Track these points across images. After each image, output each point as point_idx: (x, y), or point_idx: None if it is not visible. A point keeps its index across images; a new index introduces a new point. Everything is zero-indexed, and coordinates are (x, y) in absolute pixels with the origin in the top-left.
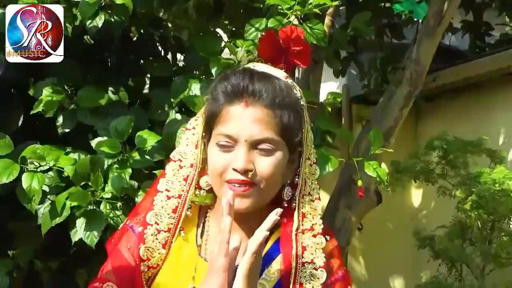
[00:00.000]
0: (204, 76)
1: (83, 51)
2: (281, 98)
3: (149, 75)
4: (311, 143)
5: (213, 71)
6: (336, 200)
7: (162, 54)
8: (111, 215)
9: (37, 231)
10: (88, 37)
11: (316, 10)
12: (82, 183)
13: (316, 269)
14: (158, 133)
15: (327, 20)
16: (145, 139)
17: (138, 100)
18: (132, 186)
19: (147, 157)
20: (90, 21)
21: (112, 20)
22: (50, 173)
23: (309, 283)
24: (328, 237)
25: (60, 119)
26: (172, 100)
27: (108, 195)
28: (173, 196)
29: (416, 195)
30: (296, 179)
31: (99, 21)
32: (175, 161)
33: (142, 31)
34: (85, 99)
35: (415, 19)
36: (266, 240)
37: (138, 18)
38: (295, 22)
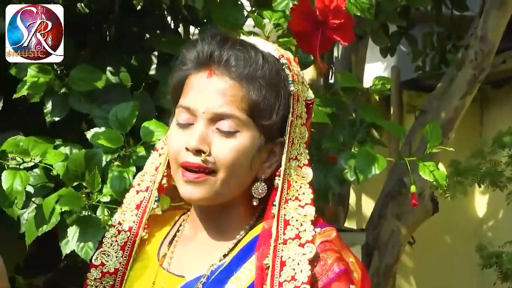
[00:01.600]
0: None
1: (76, 22)
2: (254, 70)
3: (156, 52)
4: (302, 141)
5: None
6: (382, 208)
7: (172, 26)
8: (109, 222)
9: (20, 241)
10: (82, 4)
11: None
12: (75, 183)
13: (298, 287)
14: (167, 123)
15: None
16: (152, 131)
17: (143, 83)
18: None
19: None
20: None
21: None
22: (36, 170)
23: None
24: (318, 229)
25: (49, 105)
26: None
27: (107, 199)
28: (141, 190)
29: (480, 202)
30: (276, 181)
31: None
32: (157, 150)
33: None
34: (79, 80)
35: None
36: (237, 242)
37: None
38: None
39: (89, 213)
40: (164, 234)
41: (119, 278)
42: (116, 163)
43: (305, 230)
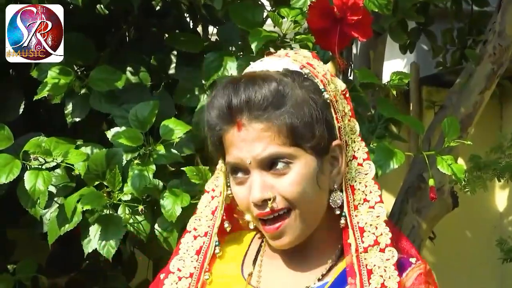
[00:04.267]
0: (242, 53)
1: (95, 23)
2: (276, 103)
3: (175, 52)
4: (354, 136)
5: (253, 46)
6: (402, 203)
7: (191, 26)
8: (131, 220)
9: (42, 240)
10: (102, 6)
11: None
12: (96, 182)
13: None
14: (187, 122)
15: None
16: (172, 130)
17: (163, 82)
18: (156, 186)
19: (174, 151)
20: None
21: None
22: (58, 170)
23: None
24: (413, 260)
25: (69, 106)
26: (203, 81)
27: (128, 197)
28: (199, 235)
29: (500, 196)
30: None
31: None
32: (208, 192)
33: None
34: (99, 81)
35: None
36: (331, 267)
37: None
38: None
39: (110, 212)
40: (242, 253)
41: (194, 281)
42: (136, 161)
43: (381, 234)
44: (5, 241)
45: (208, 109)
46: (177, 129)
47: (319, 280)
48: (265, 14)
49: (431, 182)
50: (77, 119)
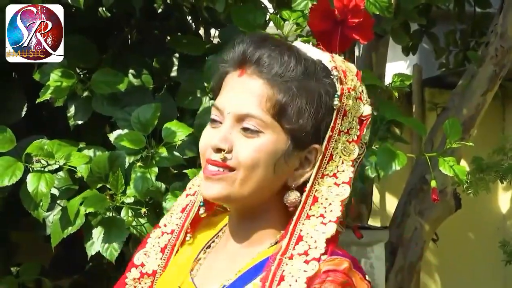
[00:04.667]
0: None
1: (97, 26)
2: (284, 71)
3: (177, 54)
4: (346, 157)
5: None
6: (405, 205)
7: (193, 28)
8: (134, 223)
9: (46, 243)
10: (104, 8)
11: None
12: (99, 185)
13: None
14: (189, 124)
15: None
16: (174, 132)
17: (165, 85)
18: (159, 188)
19: (176, 153)
20: None
21: None
22: (60, 173)
23: None
24: (325, 257)
25: (72, 109)
26: (205, 84)
27: (130, 200)
28: (190, 194)
29: (503, 198)
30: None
31: None
32: (185, 190)
33: (168, 1)
34: (101, 84)
35: None
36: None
37: None
38: None
39: (113, 214)
40: (207, 238)
41: (156, 280)
42: (139, 164)
43: (316, 248)
44: (8, 244)
45: (231, 47)
46: (179, 131)
47: (234, 275)
48: (267, 17)
49: (433, 184)
50: (80, 122)
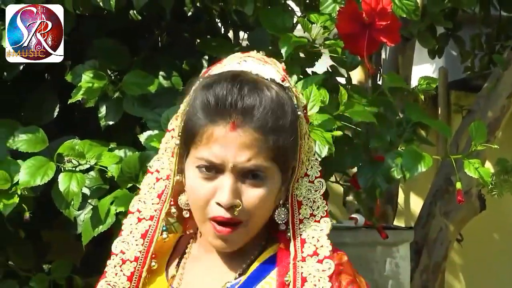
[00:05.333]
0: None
1: (128, 29)
2: (275, 118)
3: (206, 57)
4: (310, 155)
5: (283, 51)
6: (430, 206)
7: (222, 31)
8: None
9: (77, 242)
10: (135, 12)
11: None
12: (129, 185)
13: None
14: None
15: None
16: None
17: None
18: None
19: None
20: None
21: None
22: (91, 173)
23: None
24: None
25: (103, 110)
26: None
27: None
28: (144, 218)
29: None
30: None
31: None
32: (152, 173)
33: (198, 4)
34: (132, 85)
35: None
36: (252, 260)
37: None
38: None
39: None
40: (167, 255)
41: (139, 266)
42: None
43: (322, 246)
44: (41, 242)
45: (203, 92)
46: None
47: (235, 279)
48: (295, 20)
49: (458, 185)
50: (111, 123)
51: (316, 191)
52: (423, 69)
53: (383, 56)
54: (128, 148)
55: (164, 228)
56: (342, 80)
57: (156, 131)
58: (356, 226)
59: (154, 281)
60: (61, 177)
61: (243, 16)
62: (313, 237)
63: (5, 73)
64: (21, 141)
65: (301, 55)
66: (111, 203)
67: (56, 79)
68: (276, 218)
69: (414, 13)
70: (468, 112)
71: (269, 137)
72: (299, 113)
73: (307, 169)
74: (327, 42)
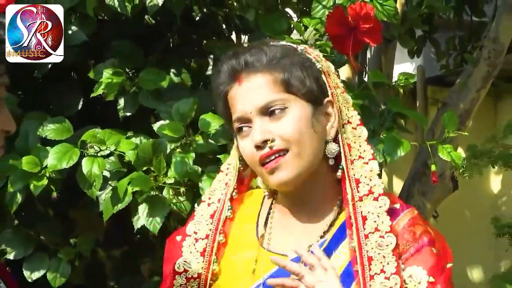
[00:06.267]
0: None
1: (143, 32)
2: (273, 57)
3: (212, 56)
4: (348, 105)
5: None
6: (410, 187)
7: (226, 34)
8: (174, 200)
9: (99, 218)
10: (149, 17)
11: None
12: (144, 168)
13: (383, 236)
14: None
15: None
16: (209, 123)
17: (201, 82)
18: (196, 171)
19: (211, 141)
20: None
21: None
22: (111, 158)
23: (378, 254)
24: (400, 207)
25: (121, 102)
26: None
27: (171, 180)
28: (213, 202)
29: (495, 181)
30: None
31: None
32: (222, 171)
33: (205, 10)
34: (147, 81)
35: None
36: (332, 222)
37: None
38: None
39: (156, 193)
40: (255, 213)
41: (202, 281)
42: (178, 150)
43: (375, 185)
44: (67, 219)
45: (215, 76)
46: (214, 122)
47: (321, 237)
48: (292, 26)
49: (433, 167)
50: (128, 114)
51: (359, 136)
52: (404, 67)
53: (368, 55)
54: (143, 136)
55: (229, 208)
56: None
57: (167, 121)
58: None
59: (240, 237)
60: (84, 162)
61: (245, 21)
62: (365, 177)
63: (36, 71)
64: (49, 130)
65: None
66: (128, 184)
67: (80, 76)
68: (326, 152)
69: (394, 17)
70: (443, 105)
71: (274, 72)
72: (318, 66)
73: (348, 117)
74: (317, 43)
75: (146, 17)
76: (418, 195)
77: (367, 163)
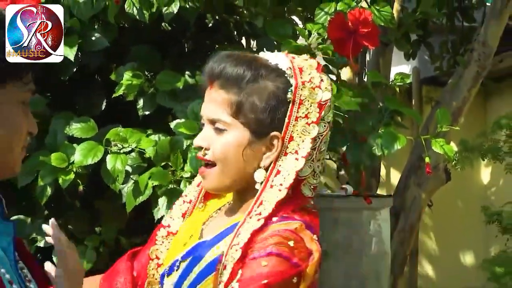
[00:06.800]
0: None
1: (160, 38)
2: (245, 81)
3: None
4: (305, 136)
5: None
6: (406, 178)
7: (237, 39)
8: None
9: (122, 209)
10: (165, 23)
11: None
12: (163, 163)
13: (237, 250)
14: None
15: (396, 4)
16: None
17: None
18: None
19: None
20: (166, 8)
21: (187, 6)
22: (133, 154)
23: (230, 264)
24: (284, 221)
25: (140, 102)
26: None
27: (187, 174)
28: (185, 202)
29: (484, 172)
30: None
31: (175, 7)
32: None
33: (217, 17)
34: (163, 83)
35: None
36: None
37: (213, 5)
38: (364, 5)
39: (174, 186)
40: (219, 205)
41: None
42: (194, 146)
43: (266, 209)
44: (93, 210)
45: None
46: None
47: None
48: (297, 32)
49: (427, 159)
50: (147, 113)
51: (295, 166)
52: (400, 69)
53: (367, 58)
54: (162, 133)
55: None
56: (333, 77)
57: (183, 120)
58: (346, 195)
59: (196, 217)
60: (108, 158)
61: (254, 27)
62: (267, 201)
63: (61, 74)
64: (75, 129)
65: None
66: (149, 178)
67: (103, 78)
68: (254, 176)
69: (390, 22)
70: (436, 103)
71: (233, 95)
72: (289, 96)
73: (299, 148)
74: (320, 46)
75: (162, 24)
76: (414, 186)
77: (280, 190)
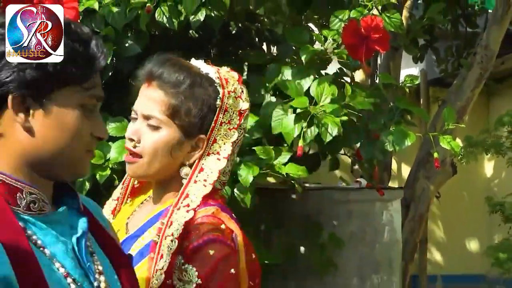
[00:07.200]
0: (295, 63)
1: (188, 44)
2: (182, 86)
3: (246, 64)
4: (227, 140)
5: (303, 58)
6: (416, 172)
7: (258, 45)
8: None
9: None
10: (193, 31)
11: (394, 1)
12: None
13: (172, 241)
14: (255, 114)
15: (405, 12)
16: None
17: None
18: (235, 161)
19: (247, 135)
20: (193, 16)
21: (213, 15)
22: None
23: (166, 254)
24: (202, 209)
25: None
26: (267, 84)
27: None
28: (113, 199)
29: (488, 166)
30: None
31: (201, 16)
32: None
33: (240, 25)
34: None
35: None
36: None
37: (236, 13)
38: (375, 12)
39: None
40: (142, 200)
41: None
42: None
43: (192, 201)
44: None
45: (145, 63)
46: (250, 119)
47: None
48: (314, 38)
49: (435, 155)
50: None
51: (217, 166)
52: (409, 72)
53: (378, 62)
54: None
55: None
56: (347, 79)
57: None
58: (360, 187)
59: (124, 212)
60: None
61: (274, 34)
62: (194, 195)
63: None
64: (111, 128)
65: (317, 61)
66: None
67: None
68: (180, 172)
69: (399, 28)
70: (443, 102)
71: (170, 98)
72: (217, 103)
73: (220, 150)
74: (335, 51)
75: (190, 32)
76: (423, 179)
77: (205, 186)
